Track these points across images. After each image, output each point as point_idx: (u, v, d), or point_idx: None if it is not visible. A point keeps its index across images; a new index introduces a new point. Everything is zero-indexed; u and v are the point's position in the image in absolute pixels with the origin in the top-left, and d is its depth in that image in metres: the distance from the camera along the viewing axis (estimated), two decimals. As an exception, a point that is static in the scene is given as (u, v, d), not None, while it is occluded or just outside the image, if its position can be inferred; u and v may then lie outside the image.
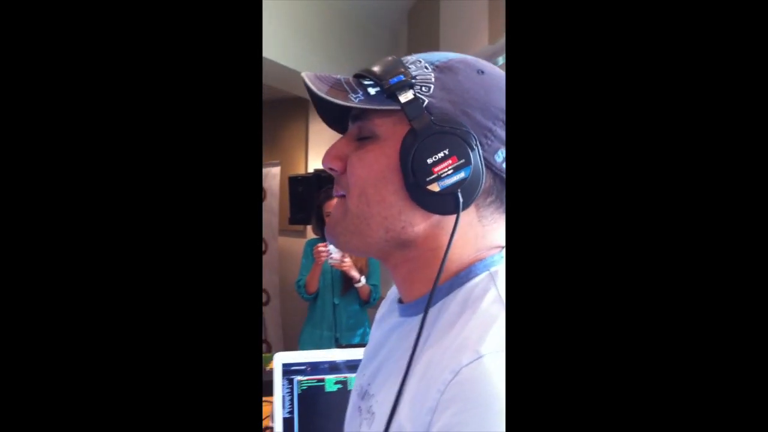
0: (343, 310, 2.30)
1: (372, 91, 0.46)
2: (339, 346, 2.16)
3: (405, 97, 0.45)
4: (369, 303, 2.31)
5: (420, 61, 0.48)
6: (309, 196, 3.60)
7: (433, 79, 0.46)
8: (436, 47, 2.69)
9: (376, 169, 0.47)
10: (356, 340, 2.30)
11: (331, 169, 0.51)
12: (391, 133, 0.46)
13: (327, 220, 0.53)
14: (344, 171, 0.49)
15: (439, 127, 0.44)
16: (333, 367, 1.23)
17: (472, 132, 0.45)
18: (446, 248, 0.45)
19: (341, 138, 0.52)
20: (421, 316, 0.46)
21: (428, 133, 0.44)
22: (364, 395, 0.53)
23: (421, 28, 2.95)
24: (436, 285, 0.45)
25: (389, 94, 0.45)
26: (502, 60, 2.29)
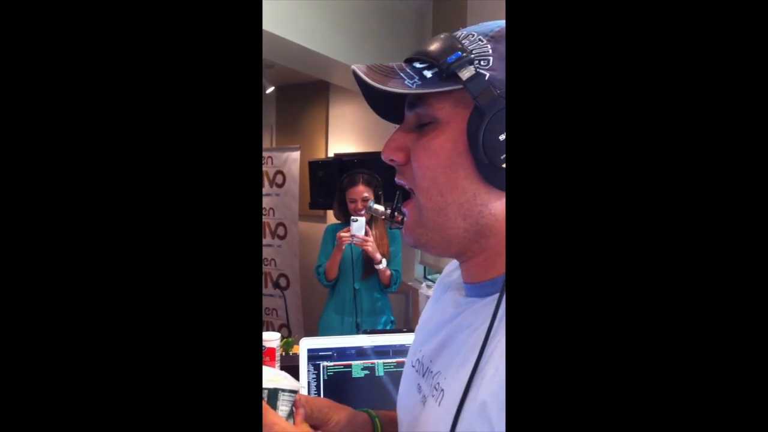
0: (364, 294, 2.27)
1: (428, 74, 0.44)
2: (362, 332, 2.14)
3: (466, 73, 0.42)
4: (390, 288, 2.27)
5: (473, 34, 0.45)
6: (329, 181, 3.56)
7: (490, 51, 0.44)
8: (463, 24, 2.62)
9: (443, 156, 0.44)
10: (379, 326, 2.27)
11: (392, 160, 0.49)
12: (454, 115, 0.44)
13: (405, 223, 0.51)
14: (407, 162, 0.48)
15: (504, 101, 0.41)
16: (360, 353, 1.20)
17: None
18: None
19: (399, 128, 0.49)
20: (495, 296, 0.45)
21: (496, 108, 0.41)
22: (426, 372, 0.51)
23: (448, 7, 2.87)
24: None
25: (448, 73, 0.43)
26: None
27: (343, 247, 2.15)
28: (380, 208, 2.11)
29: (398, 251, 2.31)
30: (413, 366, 0.55)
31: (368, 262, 2.22)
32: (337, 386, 1.17)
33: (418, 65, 0.45)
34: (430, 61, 0.44)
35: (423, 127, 0.46)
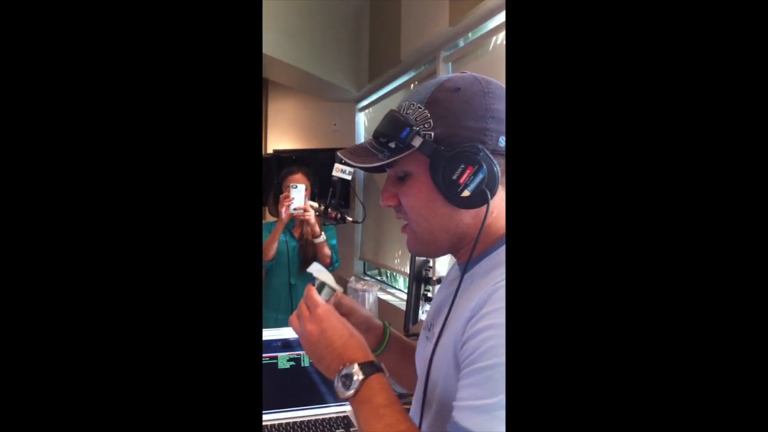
0: (300, 290, 2.25)
1: (392, 145, 0.62)
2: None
3: (417, 142, 0.60)
4: (330, 267, 2.23)
5: (413, 104, 0.63)
6: (268, 177, 3.54)
7: (429, 115, 0.61)
8: (397, 29, 2.68)
9: (422, 197, 0.63)
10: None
11: (389, 206, 0.68)
12: (419, 168, 0.62)
13: (407, 241, 0.71)
14: (399, 204, 0.66)
15: (448, 152, 0.59)
16: (286, 345, 1.23)
17: (474, 139, 0.59)
18: (481, 227, 0.61)
19: (386, 181, 0.69)
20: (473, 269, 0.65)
21: (444, 160, 0.59)
22: (429, 327, 0.72)
23: (383, 8, 2.93)
24: (474, 249, 0.63)
25: (405, 144, 0.61)
26: (462, 43, 2.29)
27: (284, 216, 2.12)
28: (315, 204, 2.13)
29: (333, 238, 2.30)
30: (423, 327, 0.75)
31: (305, 255, 2.22)
32: (264, 377, 1.19)
33: (382, 140, 0.63)
34: (389, 138, 0.62)
35: (402, 178, 0.65)
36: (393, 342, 0.83)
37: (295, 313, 0.69)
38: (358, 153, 0.65)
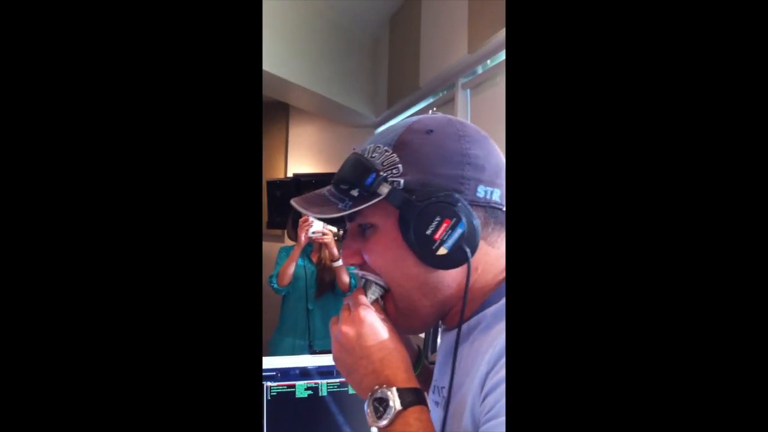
0: (317, 315, 2.27)
1: (354, 193, 0.52)
2: (312, 352, 2.14)
3: (384, 190, 0.51)
4: (348, 292, 2.23)
5: (379, 146, 0.54)
6: (287, 201, 3.56)
7: (397, 159, 0.52)
8: (416, 56, 2.71)
9: (390, 254, 0.53)
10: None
11: (351, 264, 0.58)
12: (386, 220, 0.53)
13: (392, 317, 0.59)
14: (363, 262, 0.56)
15: (421, 202, 0.50)
16: (304, 373, 1.22)
17: (449, 188, 0.51)
18: (465, 289, 0.52)
19: (347, 236, 0.59)
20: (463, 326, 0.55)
21: (416, 211, 0.50)
22: (437, 390, 0.62)
23: (402, 36, 2.97)
24: (464, 307, 0.52)
25: (370, 192, 0.52)
26: (481, 69, 2.30)
27: (302, 240, 2.14)
28: (333, 228, 2.14)
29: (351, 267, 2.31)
30: (431, 391, 0.65)
31: (322, 280, 2.23)
32: (281, 406, 1.19)
33: (343, 187, 0.53)
34: (351, 185, 0.53)
35: (365, 230, 0.55)
36: (424, 372, 0.71)
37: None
38: (314, 202, 0.56)
